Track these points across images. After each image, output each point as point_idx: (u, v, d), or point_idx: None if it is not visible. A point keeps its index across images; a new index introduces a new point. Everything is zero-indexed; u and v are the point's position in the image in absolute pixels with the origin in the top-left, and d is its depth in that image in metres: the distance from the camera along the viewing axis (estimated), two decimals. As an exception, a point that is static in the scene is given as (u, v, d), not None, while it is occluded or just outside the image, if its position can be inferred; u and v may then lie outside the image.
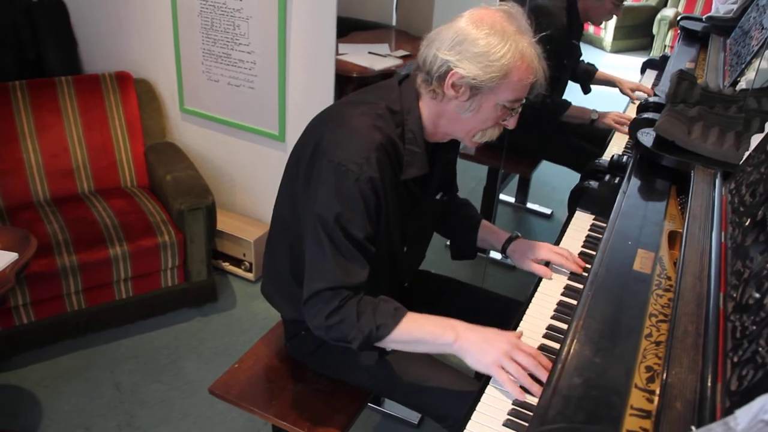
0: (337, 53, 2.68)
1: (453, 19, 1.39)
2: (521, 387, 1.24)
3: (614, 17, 2.94)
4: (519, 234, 1.79)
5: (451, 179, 1.80)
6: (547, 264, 1.68)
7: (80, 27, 3.17)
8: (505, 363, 1.26)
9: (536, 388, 1.22)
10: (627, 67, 6.93)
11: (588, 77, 3.28)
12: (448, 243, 3.26)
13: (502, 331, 1.36)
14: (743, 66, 2.33)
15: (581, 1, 2.90)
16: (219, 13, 2.74)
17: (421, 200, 1.60)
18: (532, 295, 1.55)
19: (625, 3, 2.90)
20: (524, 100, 1.44)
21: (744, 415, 0.71)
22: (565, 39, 2.90)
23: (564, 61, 3.00)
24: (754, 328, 0.93)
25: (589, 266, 1.61)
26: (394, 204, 1.47)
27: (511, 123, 1.45)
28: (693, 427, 0.86)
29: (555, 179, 4.12)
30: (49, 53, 3.13)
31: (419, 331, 1.37)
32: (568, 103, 2.93)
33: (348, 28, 4.13)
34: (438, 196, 1.70)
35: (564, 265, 1.64)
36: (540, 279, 1.62)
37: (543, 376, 1.23)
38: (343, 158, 1.36)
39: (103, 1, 3.04)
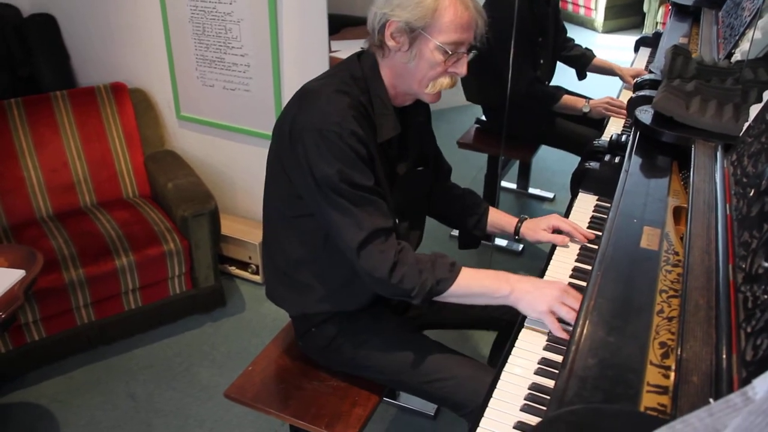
0: (329, 51, 2.68)
1: None
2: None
3: None
4: (526, 216, 1.84)
5: (431, 154, 1.80)
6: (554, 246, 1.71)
7: (72, 41, 3.18)
8: (556, 308, 1.35)
9: None
10: (620, 46, 6.92)
11: (585, 62, 3.26)
12: (453, 232, 3.30)
13: (552, 280, 1.45)
14: (737, 37, 2.33)
15: None
16: (210, 17, 2.74)
17: (401, 167, 1.63)
18: (547, 263, 1.57)
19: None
20: (475, 48, 1.49)
21: (762, 383, 0.71)
22: (530, 17, 2.88)
23: (539, 39, 2.98)
24: (766, 297, 0.93)
25: (598, 233, 1.65)
26: (378, 165, 1.50)
27: (459, 69, 1.49)
28: (711, 400, 0.86)
29: (555, 163, 4.12)
30: (42, 69, 3.13)
31: (476, 286, 1.46)
32: (560, 94, 2.92)
33: (339, 25, 4.11)
34: (419, 169, 1.71)
35: (572, 233, 1.69)
36: (548, 262, 1.62)
37: None
38: (320, 124, 1.40)
39: (94, 13, 3.04)
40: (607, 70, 3.24)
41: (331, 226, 1.46)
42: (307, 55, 2.64)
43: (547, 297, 1.37)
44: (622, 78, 3.17)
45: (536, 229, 1.76)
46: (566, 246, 1.67)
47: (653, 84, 2.10)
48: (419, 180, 1.73)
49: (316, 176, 1.42)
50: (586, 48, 3.29)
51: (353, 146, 1.40)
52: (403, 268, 1.41)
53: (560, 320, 1.35)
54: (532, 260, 3.19)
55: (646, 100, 1.92)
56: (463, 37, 1.44)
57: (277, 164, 1.56)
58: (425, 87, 1.50)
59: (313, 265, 1.60)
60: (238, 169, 3.09)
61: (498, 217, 1.86)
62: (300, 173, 1.46)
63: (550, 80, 3.19)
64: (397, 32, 1.43)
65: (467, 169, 3.85)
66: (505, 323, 1.75)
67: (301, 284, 1.63)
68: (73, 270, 2.45)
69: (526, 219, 1.82)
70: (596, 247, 1.45)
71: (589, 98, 2.91)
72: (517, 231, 1.81)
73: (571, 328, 1.28)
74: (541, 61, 3.05)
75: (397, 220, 1.62)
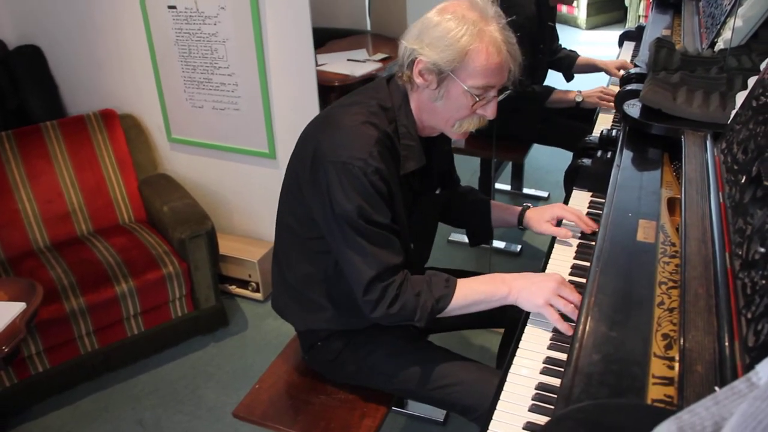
0: (316, 64, 2.69)
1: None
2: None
3: None
4: (529, 204, 1.85)
5: (449, 173, 1.82)
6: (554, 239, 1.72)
7: (59, 70, 3.18)
8: (553, 300, 1.36)
9: None
10: (604, 42, 6.94)
11: (569, 64, 3.28)
12: (450, 238, 3.31)
13: (547, 273, 1.47)
14: (718, 26, 2.35)
15: None
16: (195, 39, 2.75)
17: (422, 195, 1.62)
18: (546, 260, 1.57)
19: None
20: (506, 89, 1.46)
21: (765, 368, 0.72)
22: (537, 24, 2.91)
23: (540, 45, 3.01)
24: (764, 282, 0.93)
25: (595, 230, 1.66)
26: (398, 198, 1.50)
27: (488, 112, 1.47)
28: (716, 388, 0.87)
29: (547, 162, 4.13)
30: (31, 100, 3.14)
31: (474, 294, 1.47)
32: (551, 89, 2.94)
33: (324, 38, 4.13)
34: (438, 191, 1.72)
35: (576, 222, 1.69)
36: (546, 261, 1.62)
37: None
38: (346, 157, 1.39)
39: (79, 42, 3.05)
40: (591, 67, 3.25)
41: (342, 258, 1.46)
42: (294, 70, 2.66)
43: (543, 290, 1.38)
44: (607, 71, 3.19)
45: (540, 221, 1.76)
46: (567, 240, 1.67)
47: (639, 77, 2.11)
48: (437, 203, 1.75)
49: (335, 209, 1.41)
50: (570, 50, 3.31)
51: (375, 184, 1.39)
52: (402, 298, 1.43)
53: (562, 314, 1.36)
54: (531, 260, 3.20)
55: (634, 94, 1.93)
56: (493, 81, 1.42)
57: (294, 185, 1.55)
58: (451, 127, 1.49)
59: (323, 284, 1.60)
60: (232, 189, 3.10)
61: (501, 211, 1.87)
62: (319, 202, 1.45)
63: (542, 84, 3.20)
64: (426, 71, 1.41)
65: (461, 173, 3.84)
66: (509, 319, 1.75)
67: (310, 302, 1.62)
68: (74, 299, 2.44)
69: (529, 207, 1.82)
70: (594, 243, 1.46)
71: (581, 91, 2.93)
72: (520, 220, 1.82)
73: (573, 324, 1.30)
74: (537, 67, 3.07)
75: (411, 245, 1.63)
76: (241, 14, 2.60)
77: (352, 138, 1.41)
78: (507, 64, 1.42)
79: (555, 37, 3.24)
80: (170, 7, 2.73)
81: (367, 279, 1.41)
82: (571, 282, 1.51)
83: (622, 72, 3.13)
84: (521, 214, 1.82)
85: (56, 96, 3.23)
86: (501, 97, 1.48)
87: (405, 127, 1.49)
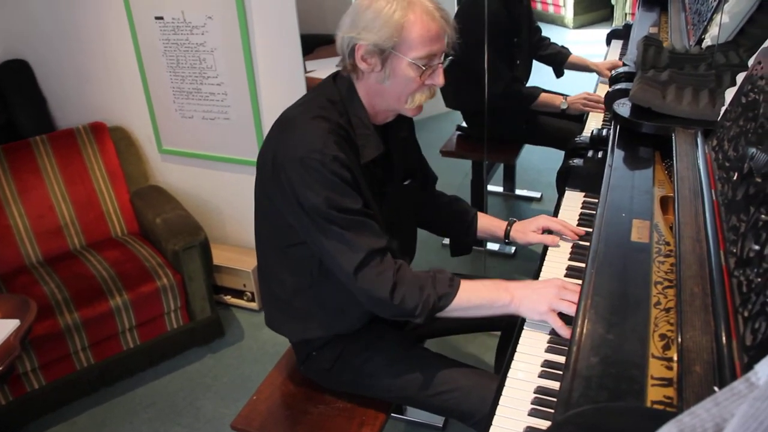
0: (305, 71, 2.68)
1: None
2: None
3: None
4: (515, 219, 1.84)
5: (417, 166, 1.81)
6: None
7: (47, 84, 3.17)
8: (556, 305, 1.35)
9: None
10: (592, 40, 6.97)
11: (561, 60, 3.29)
12: (444, 241, 3.30)
13: (548, 279, 1.45)
14: (705, 23, 2.35)
15: None
16: (183, 49, 2.74)
17: (388, 185, 1.63)
18: (540, 266, 1.57)
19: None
20: (448, 56, 1.48)
21: (764, 368, 0.71)
22: (505, 18, 2.91)
23: (514, 39, 3.00)
24: (759, 280, 0.93)
25: (588, 230, 1.65)
26: (364, 187, 1.50)
27: (436, 80, 1.48)
28: (716, 388, 0.86)
29: (539, 162, 4.14)
30: (20, 115, 3.12)
31: (477, 298, 1.45)
32: (537, 92, 2.94)
33: (312, 45, 4.12)
34: (406, 183, 1.71)
35: (562, 232, 1.69)
36: (541, 264, 1.62)
37: None
38: (302, 153, 1.39)
39: (67, 55, 3.04)
40: (583, 67, 3.27)
41: (325, 254, 1.45)
42: (283, 78, 2.65)
43: (545, 297, 1.37)
44: (598, 73, 3.20)
45: (525, 232, 1.77)
46: (557, 246, 1.67)
47: (629, 76, 2.12)
48: (407, 194, 1.73)
49: (303, 205, 1.41)
50: (562, 46, 3.32)
51: (337, 171, 1.39)
52: (403, 288, 1.41)
53: (564, 317, 1.35)
54: (526, 262, 3.20)
55: (623, 93, 1.94)
56: (435, 48, 1.43)
57: (263, 196, 1.56)
58: (405, 103, 1.49)
59: (309, 291, 1.60)
60: (224, 198, 3.09)
61: (487, 222, 1.87)
62: (287, 203, 1.46)
63: (527, 80, 3.21)
64: (368, 54, 1.42)
65: (452, 176, 3.86)
66: (506, 323, 1.75)
67: (299, 311, 1.62)
68: (68, 314, 2.43)
69: (515, 222, 1.82)
70: (588, 244, 1.46)
71: (566, 95, 2.93)
72: (506, 234, 1.82)
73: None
74: (518, 62, 3.07)
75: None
76: (229, 23, 2.59)
77: (305, 133, 1.42)
78: (443, 30, 1.44)
79: (534, 30, 3.24)
80: (157, 18, 2.73)
81: (353, 266, 1.40)
82: (570, 266, 1.52)
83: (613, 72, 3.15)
84: (507, 229, 1.82)
85: (45, 110, 3.21)
86: (445, 63, 1.49)
87: (357, 117, 1.50)
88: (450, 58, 1.50)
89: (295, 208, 1.44)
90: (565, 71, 3.33)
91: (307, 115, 1.45)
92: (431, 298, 1.42)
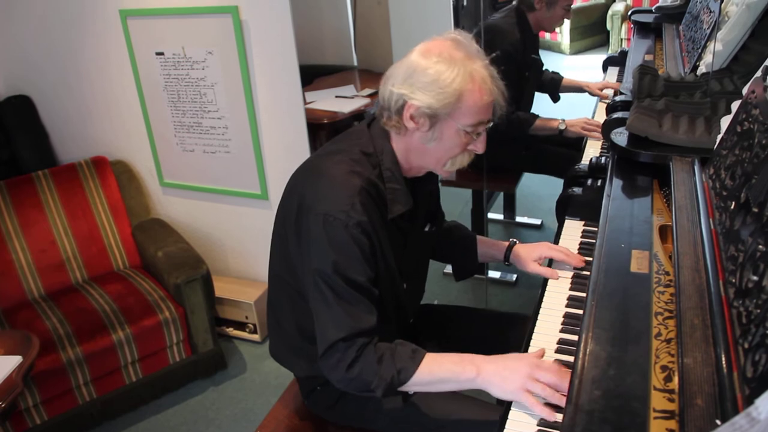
0: (305, 102, 2.71)
1: (405, 55, 1.43)
2: (551, 405, 1.23)
3: (566, 20, 3.03)
4: (516, 240, 1.83)
5: (435, 210, 1.82)
6: (550, 264, 1.71)
7: (49, 119, 3.20)
8: (530, 386, 1.26)
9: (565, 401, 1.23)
10: (588, 66, 7.06)
11: (555, 86, 3.33)
12: (446, 270, 3.31)
13: (521, 354, 1.37)
14: (699, 50, 2.38)
15: (531, 15, 2.96)
16: (184, 84, 2.77)
17: (411, 234, 1.62)
18: (537, 311, 1.56)
19: (574, 4, 2.97)
20: (489, 123, 1.45)
21: (764, 403, 0.72)
22: (522, 53, 2.96)
23: (525, 74, 3.05)
24: (758, 311, 0.94)
25: (589, 259, 1.64)
26: (386, 243, 1.48)
27: (479, 147, 1.47)
28: (718, 422, 0.87)
29: (539, 188, 4.15)
30: (22, 150, 3.14)
31: (440, 371, 1.38)
32: (534, 117, 2.97)
33: (311, 76, 4.18)
34: (426, 228, 1.71)
35: (565, 261, 1.67)
36: (542, 294, 1.62)
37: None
38: (328, 209, 1.37)
39: (69, 90, 3.07)
40: (575, 88, 3.32)
41: (314, 314, 1.43)
42: (283, 110, 2.68)
43: (517, 376, 1.29)
44: (590, 92, 3.24)
45: (527, 260, 1.75)
46: (556, 279, 1.66)
47: (625, 105, 2.14)
48: (428, 239, 1.74)
49: (312, 263, 1.39)
50: (553, 72, 3.36)
51: (356, 238, 1.37)
52: (361, 361, 1.36)
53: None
54: (527, 290, 3.19)
55: (620, 122, 1.96)
56: (484, 118, 1.42)
57: (282, 235, 1.54)
58: (443, 165, 1.48)
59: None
60: (226, 231, 3.10)
61: (487, 246, 1.86)
62: (300, 254, 1.45)
63: (529, 110, 3.24)
64: (418, 115, 1.38)
65: (453, 205, 3.88)
66: (511, 352, 1.74)
67: (307, 349, 1.60)
68: (70, 349, 2.43)
69: (516, 244, 1.80)
70: (589, 273, 1.47)
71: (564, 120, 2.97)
72: (507, 257, 1.81)
73: (557, 405, 1.23)
74: (524, 95, 3.11)
75: (405, 285, 1.62)
76: (229, 58, 2.63)
77: (336, 189, 1.39)
78: (496, 99, 1.43)
79: (540, 65, 3.28)
80: (158, 54, 2.76)
81: (332, 340, 1.37)
82: (569, 314, 1.51)
83: (605, 91, 3.18)
84: (508, 250, 1.80)
85: (47, 144, 3.24)
86: (487, 129, 1.48)
87: (389, 171, 1.48)
88: (491, 123, 1.47)
89: (304, 261, 1.43)
90: (561, 96, 3.38)
91: (341, 168, 1.42)
92: (389, 371, 1.36)
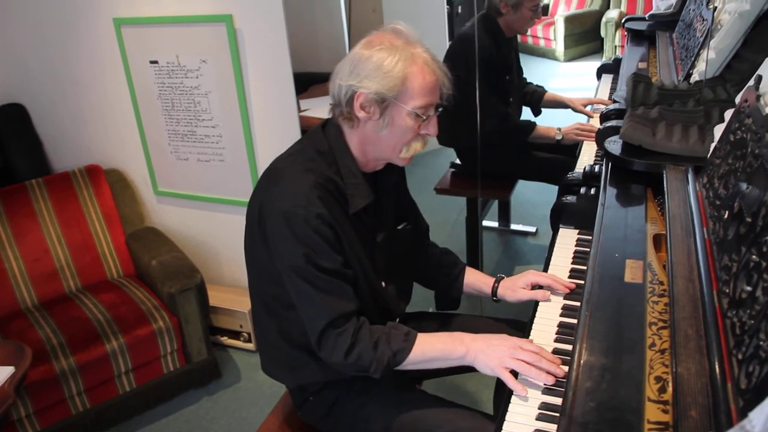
0: (299, 110, 2.71)
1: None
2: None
3: (535, 22, 3.06)
4: (502, 276, 1.81)
5: (409, 209, 1.81)
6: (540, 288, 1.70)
7: (43, 127, 3.19)
8: (508, 362, 1.37)
9: (543, 377, 1.32)
10: (583, 73, 7.07)
11: (537, 100, 3.33)
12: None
13: (507, 336, 1.46)
14: (693, 58, 2.39)
15: (501, 19, 2.99)
16: (178, 93, 2.77)
17: (381, 231, 1.63)
18: (531, 320, 1.56)
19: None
20: (438, 107, 1.49)
21: (758, 416, 0.72)
22: (497, 57, 2.96)
23: (506, 77, 3.05)
24: (752, 322, 0.93)
25: (582, 282, 1.62)
26: (353, 237, 1.51)
27: (431, 130, 1.50)
28: (712, 434, 0.86)
29: (534, 196, 4.16)
30: (16, 158, 3.13)
31: (432, 351, 1.47)
32: (533, 125, 2.98)
33: (306, 83, 4.18)
34: (400, 227, 1.72)
35: (553, 286, 1.65)
36: (537, 303, 1.62)
37: (550, 367, 1.34)
38: (287, 207, 1.42)
39: (63, 99, 3.07)
40: (558, 103, 3.30)
41: (298, 308, 1.49)
42: (277, 118, 2.67)
43: (497, 353, 1.40)
44: (573, 108, 3.22)
45: (514, 288, 1.73)
46: (548, 300, 1.62)
47: (619, 114, 2.14)
48: (402, 238, 1.74)
49: (284, 260, 1.44)
50: (537, 85, 3.37)
51: (318, 229, 1.41)
52: (359, 347, 1.44)
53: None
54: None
55: (614, 131, 1.96)
56: (433, 99, 1.46)
57: (251, 244, 1.58)
58: (399, 152, 1.51)
59: (301, 339, 1.59)
60: (220, 239, 3.09)
61: (474, 278, 1.84)
62: (270, 255, 1.49)
63: (519, 117, 3.25)
64: (367, 103, 1.43)
65: (447, 213, 3.88)
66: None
67: (294, 359, 1.62)
68: (64, 359, 2.41)
69: (503, 279, 1.79)
70: (583, 282, 1.47)
71: (560, 128, 2.97)
72: (494, 292, 1.79)
73: (535, 381, 1.32)
74: (511, 99, 3.11)
75: (383, 284, 1.62)
76: (223, 66, 2.62)
77: (292, 187, 1.44)
78: (441, 81, 1.47)
79: (520, 70, 3.29)
80: (152, 62, 2.76)
81: (320, 328, 1.43)
82: (563, 323, 1.51)
83: (588, 108, 3.18)
84: (494, 287, 1.79)
85: (41, 153, 3.23)
86: (437, 112, 1.51)
87: (346, 167, 1.51)
88: (441, 109, 1.52)
89: (276, 261, 1.47)
90: (542, 111, 3.38)
91: (294, 168, 1.47)
92: (386, 354, 1.44)
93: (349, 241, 1.49)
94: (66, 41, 2.92)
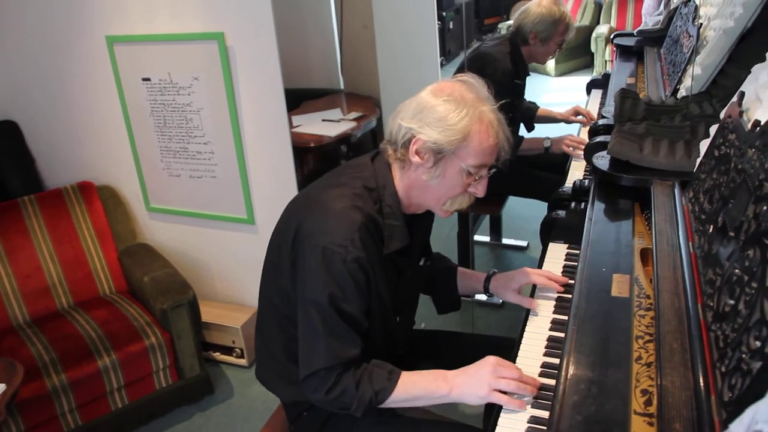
0: (291, 126, 2.73)
1: (416, 93, 1.46)
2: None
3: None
4: (495, 270, 1.83)
5: (427, 244, 1.83)
6: (533, 291, 1.71)
7: (36, 144, 3.19)
8: (494, 384, 1.34)
9: (529, 389, 1.32)
10: (573, 87, 7.14)
11: (531, 116, 3.36)
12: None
13: (481, 360, 1.43)
14: (680, 74, 2.42)
15: (526, 48, 2.99)
16: (170, 109, 2.78)
17: (407, 269, 1.63)
18: (521, 334, 1.57)
19: (568, 37, 3.02)
20: (492, 168, 1.47)
21: (738, 427, 0.73)
22: (512, 82, 3.00)
23: (515, 102, 3.09)
24: (735, 335, 0.95)
25: (572, 282, 1.64)
26: (381, 279, 1.49)
27: (479, 190, 1.48)
28: (695, 446, 0.88)
29: (525, 210, 4.17)
30: (8, 175, 3.13)
31: (415, 389, 1.44)
32: (520, 138, 3.01)
33: (298, 99, 4.20)
34: (421, 263, 1.72)
35: (546, 284, 1.67)
36: (527, 317, 1.63)
37: (528, 378, 1.35)
38: (327, 242, 1.38)
39: (56, 116, 3.08)
40: (550, 118, 3.34)
41: (301, 337, 1.46)
42: (269, 134, 2.69)
43: (482, 380, 1.37)
44: (564, 120, 3.26)
45: (506, 289, 1.75)
46: (546, 294, 1.65)
47: (607, 129, 2.17)
48: (421, 274, 1.75)
49: (307, 293, 1.41)
50: (530, 101, 3.40)
51: (353, 273, 1.39)
52: (341, 386, 1.41)
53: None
54: (514, 312, 3.20)
55: (602, 146, 1.98)
56: (489, 160, 1.44)
57: (276, 261, 1.54)
58: (442, 205, 1.50)
59: None
60: (212, 255, 3.10)
61: (467, 278, 1.86)
62: (294, 282, 1.46)
63: (516, 133, 3.27)
64: (424, 149, 1.41)
65: (439, 228, 3.86)
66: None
67: (293, 375, 1.60)
68: (55, 376, 2.41)
69: (495, 274, 1.81)
70: (571, 296, 1.48)
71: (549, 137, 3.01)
72: (486, 288, 1.81)
73: (525, 398, 1.32)
74: (514, 120, 3.14)
75: (397, 319, 1.64)
76: (215, 83, 2.64)
77: (336, 223, 1.40)
78: (501, 144, 1.45)
79: (523, 90, 3.33)
80: (144, 79, 2.77)
81: (315, 368, 1.41)
82: (552, 337, 1.52)
83: (579, 117, 3.22)
84: (486, 281, 1.81)
85: (33, 169, 3.23)
86: (489, 174, 1.49)
87: (390, 207, 1.49)
88: (494, 170, 1.50)
89: (298, 290, 1.44)
90: (536, 126, 3.41)
91: (343, 202, 1.43)
92: (367, 393, 1.41)
93: (378, 283, 1.47)
94: (59, 59, 2.94)
